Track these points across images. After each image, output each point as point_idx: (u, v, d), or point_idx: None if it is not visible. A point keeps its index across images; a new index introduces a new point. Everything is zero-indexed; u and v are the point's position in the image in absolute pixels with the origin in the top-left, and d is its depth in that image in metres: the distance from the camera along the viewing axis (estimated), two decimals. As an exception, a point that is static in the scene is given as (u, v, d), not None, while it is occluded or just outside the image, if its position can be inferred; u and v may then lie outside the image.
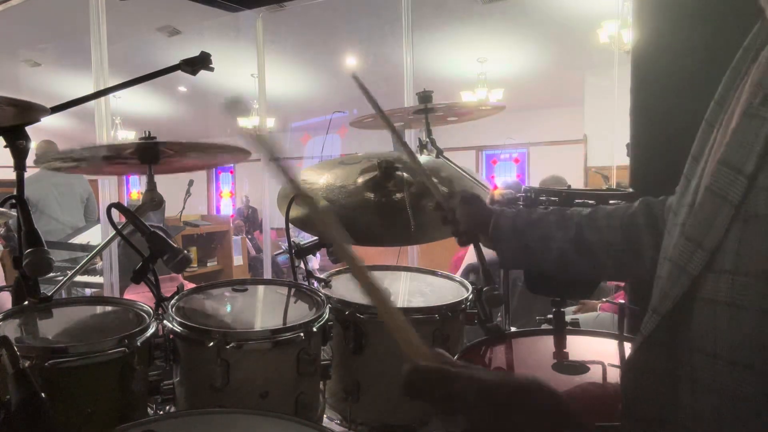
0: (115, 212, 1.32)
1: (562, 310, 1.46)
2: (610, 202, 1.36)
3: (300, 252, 1.51)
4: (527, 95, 8.34)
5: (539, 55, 7.70)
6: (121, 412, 1.08)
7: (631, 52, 1.80)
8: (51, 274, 1.90)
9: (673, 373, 0.69)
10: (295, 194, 1.13)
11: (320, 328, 1.22)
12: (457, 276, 1.65)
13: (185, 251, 1.31)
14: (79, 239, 4.25)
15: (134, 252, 1.32)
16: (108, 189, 3.34)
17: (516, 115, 8.57)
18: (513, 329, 1.54)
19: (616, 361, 1.27)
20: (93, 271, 3.86)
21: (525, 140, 9.47)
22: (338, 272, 1.65)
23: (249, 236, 8.84)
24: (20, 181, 1.22)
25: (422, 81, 2.59)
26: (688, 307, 0.67)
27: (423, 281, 1.67)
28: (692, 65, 1.56)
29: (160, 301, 1.28)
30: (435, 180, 1.74)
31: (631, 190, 1.65)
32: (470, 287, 1.49)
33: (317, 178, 1.74)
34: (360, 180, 1.70)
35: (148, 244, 1.29)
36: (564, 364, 1.25)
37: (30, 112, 1.08)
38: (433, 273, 1.70)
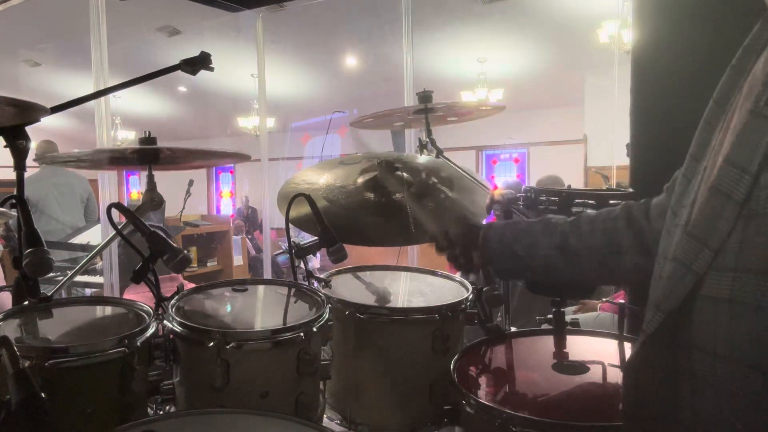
0: (115, 212, 1.32)
1: (562, 310, 1.46)
2: (610, 202, 1.36)
3: (300, 252, 1.51)
4: (527, 95, 8.33)
5: (539, 55, 7.69)
6: (121, 412, 1.08)
7: (631, 52, 1.80)
8: (51, 274, 1.89)
9: (673, 371, 0.69)
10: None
11: (320, 328, 1.22)
12: (457, 276, 1.64)
13: (185, 251, 1.31)
14: (79, 239, 4.25)
15: (135, 252, 1.32)
16: (108, 189, 3.34)
17: (516, 115, 8.56)
18: (513, 329, 1.54)
19: (616, 361, 1.27)
20: (93, 271, 3.85)
21: (525, 140, 9.46)
22: (338, 272, 1.65)
23: (249, 236, 8.83)
24: (20, 181, 1.22)
25: (422, 81, 2.59)
26: (688, 305, 0.67)
27: (423, 281, 1.67)
28: (692, 65, 1.56)
29: (160, 301, 1.28)
30: (435, 180, 1.74)
31: (631, 190, 1.65)
32: (470, 287, 1.49)
33: (317, 178, 1.74)
34: (360, 180, 1.70)
35: (148, 244, 1.29)
36: (564, 364, 1.25)
37: (30, 112, 1.08)
38: (433, 273, 1.70)
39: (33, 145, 1.31)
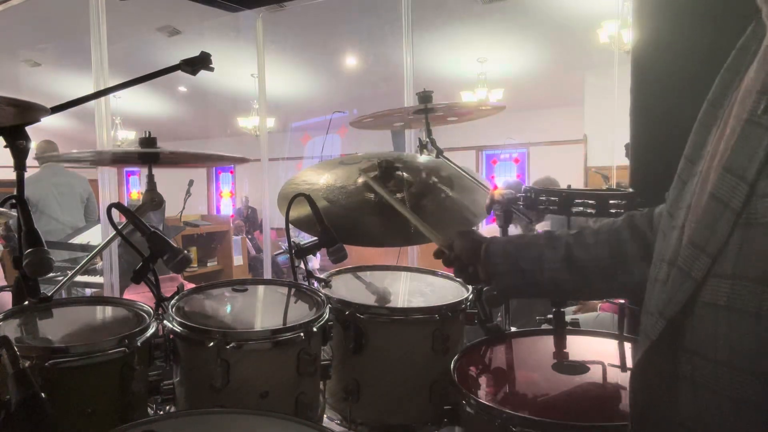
0: (115, 212, 1.32)
1: (562, 310, 1.46)
2: (610, 202, 1.36)
3: (300, 252, 1.51)
4: (527, 95, 8.33)
5: (539, 55, 7.69)
6: (121, 412, 1.08)
7: (631, 52, 1.80)
8: (51, 274, 1.89)
9: (675, 376, 0.69)
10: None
11: (320, 328, 1.22)
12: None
13: (185, 251, 1.31)
14: (79, 239, 4.25)
15: (135, 252, 1.32)
16: (108, 189, 3.33)
17: (516, 115, 8.56)
18: (513, 329, 1.54)
19: (616, 361, 1.27)
20: (93, 271, 3.85)
21: (525, 140, 9.46)
22: (338, 272, 1.65)
23: (249, 236, 8.83)
24: (20, 181, 1.21)
25: (422, 81, 2.59)
26: (689, 312, 0.67)
27: (423, 281, 1.67)
28: (692, 65, 1.56)
29: (160, 301, 1.28)
30: (435, 180, 1.74)
31: (631, 190, 1.64)
32: (470, 287, 1.49)
33: (317, 178, 1.74)
34: (360, 180, 1.70)
35: (148, 244, 1.29)
36: (564, 364, 1.25)
37: (30, 112, 1.08)
38: (433, 273, 1.70)
39: (33, 145, 1.31)
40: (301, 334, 1.16)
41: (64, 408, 1.01)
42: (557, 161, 8.73)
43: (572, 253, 1.06)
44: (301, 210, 1.56)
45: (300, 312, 1.29)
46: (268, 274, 4.45)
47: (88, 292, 4.00)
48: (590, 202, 1.38)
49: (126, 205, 1.37)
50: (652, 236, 0.99)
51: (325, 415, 1.38)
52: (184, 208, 6.26)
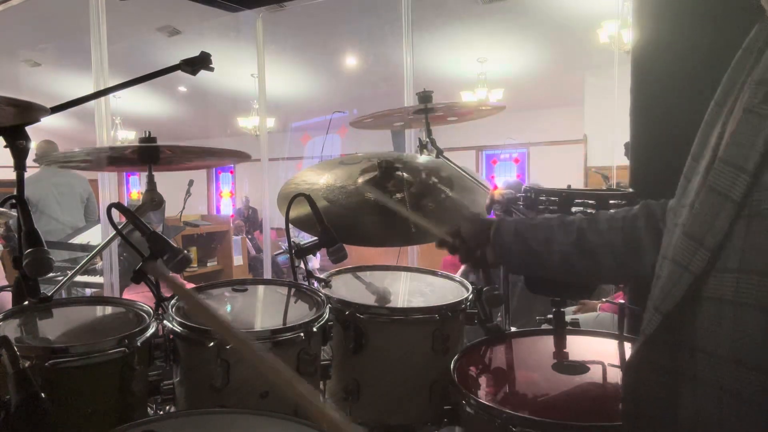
0: (115, 212, 1.32)
1: (562, 310, 1.46)
2: (611, 202, 1.36)
3: (300, 252, 1.51)
4: (527, 95, 8.33)
5: (539, 56, 7.69)
6: (121, 412, 1.08)
7: (631, 52, 1.80)
8: (51, 274, 1.89)
9: (674, 372, 0.69)
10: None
11: (320, 328, 1.22)
12: (457, 276, 1.65)
13: (185, 251, 1.31)
14: (79, 239, 4.25)
15: (136, 253, 1.32)
16: (108, 189, 3.34)
17: (516, 115, 8.56)
18: (513, 329, 1.54)
19: (616, 361, 1.27)
20: (93, 271, 3.85)
21: (525, 140, 9.46)
22: (338, 272, 1.65)
23: (249, 236, 8.83)
24: (20, 181, 1.21)
25: (422, 81, 2.59)
26: (691, 307, 0.67)
27: (423, 281, 1.67)
28: (692, 65, 1.56)
29: (160, 301, 1.28)
30: (435, 180, 1.74)
31: (631, 190, 1.65)
32: (470, 287, 1.49)
33: (317, 178, 1.74)
34: (360, 180, 1.70)
35: (148, 244, 1.29)
36: (564, 364, 1.25)
37: (30, 112, 1.08)
38: (433, 273, 1.70)
39: (33, 145, 1.31)
40: (301, 334, 1.16)
41: (64, 408, 1.01)
42: (557, 161, 8.74)
43: (585, 237, 1.06)
44: (301, 210, 1.56)
45: (300, 312, 1.29)
46: (268, 274, 4.45)
47: (88, 292, 4.00)
48: (590, 202, 1.38)
49: (126, 205, 1.37)
50: (663, 227, 0.99)
51: (325, 415, 1.37)
52: (184, 208, 6.26)
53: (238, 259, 6.98)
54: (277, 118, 9.54)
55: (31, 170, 4.35)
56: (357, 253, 2.01)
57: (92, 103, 2.97)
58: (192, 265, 6.07)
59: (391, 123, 2.49)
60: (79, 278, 3.61)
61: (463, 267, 3.10)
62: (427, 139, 2.04)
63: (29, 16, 6.15)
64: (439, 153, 2.00)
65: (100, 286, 3.72)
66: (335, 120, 6.04)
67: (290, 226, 1.51)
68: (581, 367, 1.22)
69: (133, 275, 1.29)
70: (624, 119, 1.80)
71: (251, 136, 9.32)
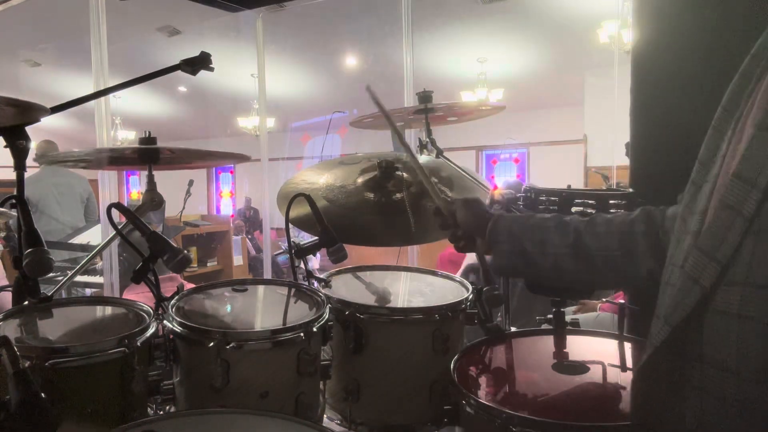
0: (115, 212, 1.32)
1: (562, 310, 1.46)
2: (610, 202, 1.36)
3: (300, 252, 1.51)
4: (527, 95, 8.33)
5: (539, 55, 7.70)
6: (121, 412, 1.08)
7: (631, 52, 1.80)
8: (51, 274, 1.90)
9: (680, 383, 0.69)
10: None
11: (320, 328, 1.22)
12: (457, 276, 1.65)
13: (185, 251, 1.31)
14: (79, 239, 4.25)
15: (136, 253, 1.32)
16: (108, 189, 3.33)
17: (516, 115, 8.56)
18: (513, 329, 1.54)
19: (616, 361, 1.27)
20: (93, 271, 3.85)
21: (525, 140, 9.47)
22: (338, 272, 1.65)
23: (249, 236, 8.83)
24: (20, 181, 1.21)
25: (422, 81, 2.59)
26: (698, 318, 0.67)
27: (423, 281, 1.67)
28: (692, 65, 1.56)
29: (160, 301, 1.28)
30: (435, 180, 1.74)
31: (631, 190, 1.65)
32: (470, 287, 1.49)
33: (317, 178, 1.74)
34: (360, 180, 1.70)
35: (148, 244, 1.29)
36: (564, 364, 1.25)
37: (30, 112, 1.08)
38: (433, 273, 1.70)
39: (33, 145, 1.31)
40: (301, 334, 1.16)
41: (64, 408, 1.01)
42: (557, 161, 8.75)
43: (581, 240, 1.05)
44: (301, 210, 1.56)
45: (300, 312, 1.29)
46: (268, 274, 4.45)
47: (88, 292, 4.00)
48: (590, 202, 1.38)
49: (126, 205, 1.37)
50: (664, 235, 0.98)
51: (325, 415, 1.38)
52: (184, 208, 6.26)
53: (238, 259, 6.98)
54: (277, 118, 9.54)
55: (31, 170, 4.35)
56: (357, 253, 2.01)
57: (92, 103, 2.97)
58: (192, 265, 6.07)
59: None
60: (79, 278, 3.61)
61: (463, 267, 3.10)
62: (427, 139, 2.04)
63: (29, 16, 6.15)
64: (439, 153, 2.00)
65: (100, 286, 3.72)
66: (335, 120, 6.04)
67: (290, 226, 1.51)
68: (581, 367, 1.22)
69: (133, 275, 1.29)
70: (624, 119, 1.80)
71: (251, 136, 9.32)
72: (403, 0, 3.65)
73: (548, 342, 1.40)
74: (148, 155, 1.43)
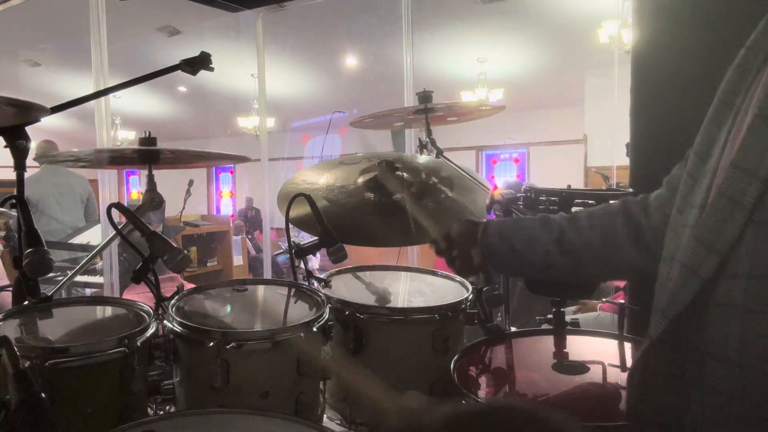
0: (115, 212, 1.32)
1: (562, 310, 1.46)
2: (610, 202, 1.36)
3: (300, 252, 1.51)
4: (527, 95, 8.34)
5: (539, 55, 7.70)
6: (121, 412, 1.08)
7: (631, 52, 1.80)
8: (51, 274, 1.90)
9: (680, 376, 0.68)
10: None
11: (320, 328, 1.22)
12: (457, 276, 1.64)
13: (185, 251, 1.31)
14: (79, 239, 4.25)
15: (136, 253, 1.32)
16: (108, 189, 3.34)
17: (516, 115, 8.56)
18: (513, 329, 1.54)
19: (616, 361, 1.27)
20: (93, 271, 3.86)
21: (525, 140, 9.47)
22: (338, 272, 1.65)
23: (249, 236, 8.83)
24: (20, 181, 1.21)
25: (422, 81, 2.59)
26: (699, 311, 0.66)
27: (423, 281, 1.67)
28: (692, 65, 1.56)
29: (160, 301, 1.28)
30: (435, 180, 1.74)
31: (631, 190, 1.65)
32: (470, 287, 1.49)
33: (317, 178, 1.74)
34: (360, 180, 1.70)
35: (148, 244, 1.29)
36: (564, 364, 1.25)
37: (30, 112, 1.08)
38: (433, 273, 1.70)
39: (33, 145, 1.31)
40: (301, 334, 1.16)
41: (64, 408, 1.01)
42: (557, 161, 8.75)
43: (564, 236, 1.07)
44: (301, 210, 1.56)
45: (300, 312, 1.29)
46: (268, 274, 4.45)
47: (88, 292, 4.01)
48: (590, 202, 1.38)
49: (126, 205, 1.37)
50: (646, 222, 1.00)
51: (325, 415, 1.37)
52: (184, 208, 6.26)
53: (238, 259, 6.98)
54: (277, 118, 9.55)
55: (31, 170, 4.36)
56: (357, 253, 2.01)
57: (92, 103, 2.97)
58: (192, 265, 6.07)
59: (391, 123, 2.49)
60: (79, 278, 3.61)
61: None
62: (427, 139, 2.04)
63: (29, 16, 6.15)
64: (439, 153, 2.00)
65: (100, 286, 3.72)
66: (335, 120, 6.04)
67: (290, 226, 1.51)
68: (581, 367, 1.22)
69: (133, 275, 1.29)
70: (624, 119, 1.80)
71: (251, 136, 9.32)
72: (403, 0, 3.65)
73: (548, 342, 1.40)
74: (148, 155, 1.43)
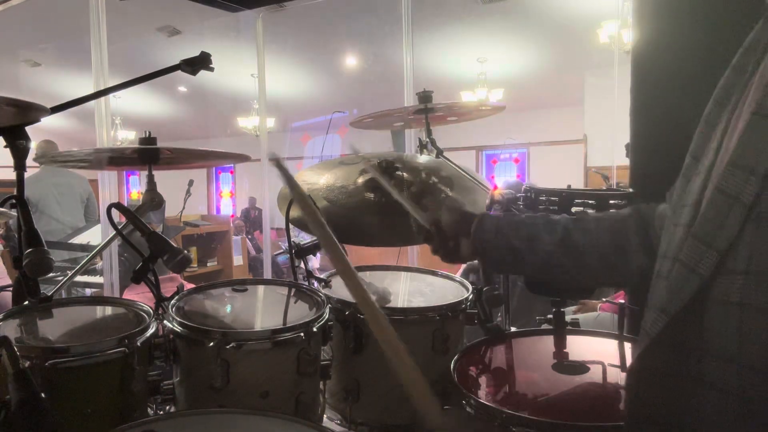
0: (115, 212, 1.32)
1: (562, 310, 1.46)
2: (611, 202, 1.36)
3: (300, 252, 1.51)
4: (527, 95, 8.34)
5: (539, 55, 7.70)
6: (121, 412, 1.08)
7: (631, 52, 1.80)
8: (51, 274, 1.90)
9: (679, 374, 0.68)
10: (294, 195, 1.12)
11: (320, 328, 1.22)
12: (457, 276, 1.65)
13: (185, 251, 1.31)
14: (79, 239, 4.25)
15: (136, 253, 1.32)
16: (108, 189, 3.34)
17: (516, 115, 8.57)
18: (513, 329, 1.54)
19: (616, 361, 1.27)
20: (93, 271, 3.85)
21: (525, 140, 9.47)
22: (338, 272, 1.65)
23: (249, 236, 8.84)
24: (20, 181, 1.22)
25: (422, 81, 2.59)
26: (698, 309, 0.66)
27: (423, 281, 1.67)
28: (692, 65, 1.56)
29: (160, 301, 1.28)
30: (435, 180, 1.74)
31: (631, 190, 1.65)
32: (470, 287, 1.49)
33: (317, 179, 1.74)
34: (360, 180, 1.70)
35: (148, 244, 1.29)
36: (564, 364, 1.25)
37: (30, 112, 1.08)
38: (433, 273, 1.70)
39: (33, 145, 1.31)
40: (301, 334, 1.16)
41: (64, 408, 1.01)
42: (557, 161, 8.75)
43: (570, 236, 1.05)
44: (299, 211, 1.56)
45: (300, 312, 1.29)
46: (268, 274, 4.45)
47: (88, 292, 4.01)
48: (590, 202, 1.38)
49: (126, 205, 1.37)
50: (654, 232, 0.99)
51: (325, 415, 1.37)
52: (184, 208, 6.27)
53: (238, 259, 6.98)
54: (277, 118, 9.55)
55: (31, 170, 4.35)
56: (357, 253, 2.01)
57: (92, 103, 2.97)
58: (192, 265, 6.07)
59: (391, 123, 2.49)
60: (79, 278, 3.61)
61: (463, 267, 3.10)
62: (427, 139, 2.04)
63: (29, 16, 6.15)
64: (439, 153, 2.00)
65: (100, 286, 3.72)
66: (335, 120, 6.04)
67: (290, 226, 1.51)
68: (581, 367, 1.22)
69: (133, 275, 1.29)
70: (624, 119, 1.80)
71: (251, 136, 9.32)
72: (403, 0, 3.65)
73: (548, 342, 1.40)
74: (148, 155, 1.43)
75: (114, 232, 1.41)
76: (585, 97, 8.14)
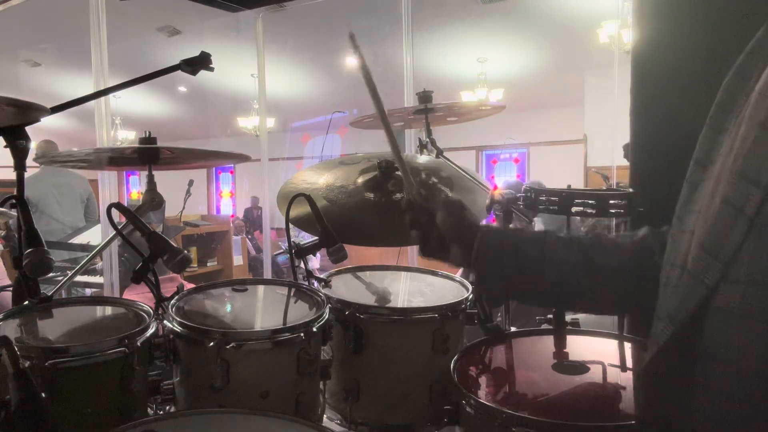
0: (115, 212, 1.32)
1: (562, 310, 1.45)
2: (610, 202, 1.36)
3: (300, 252, 1.51)
4: (527, 95, 8.34)
5: (539, 55, 7.70)
6: (121, 412, 1.08)
7: (631, 52, 1.80)
8: (51, 274, 1.90)
9: (687, 381, 0.69)
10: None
11: (320, 328, 1.22)
12: (457, 276, 1.65)
13: (185, 251, 1.31)
14: (79, 239, 4.25)
15: (136, 253, 1.32)
16: (108, 189, 3.33)
17: (516, 115, 8.57)
18: (513, 329, 1.54)
19: (616, 361, 1.27)
20: (93, 271, 3.85)
21: (525, 140, 9.47)
22: (338, 272, 1.65)
23: (249, 236, 8.84)
24: (20, 181, 1.22)
25: (422, 81, 2.59)
26: (702, 317, 0.67)
27: (423, 281, 1.67)
28: (692, 65, 1.56)
29: (160, 301, 1.28)
30: (435, 180, 1.74)
31: (631, 190, 1.65)
32: (470, 287, 1.49)
33: (317, 178, 1.74)
34: (360, 180, 1.70)
35: (148, 244, 1.29)
36: (564, 364, 1.25)
37: (30, 112, 1.08)
38: (433, 273, 1.70)
39: (33, 145, 1.31)
40: (301, 334, 1.16)
41: (64, 408, 1.01)
42: (557, 161, 8.75)
43: (589, 257, 0.99)
44: (301, 210, 1.56)
45: (300, 312, 1.29)
46: (268, 274, 4.45)
47: (88, 292, 4.01)
48: (590, 202, 1.38)
49: (126, 205, 1.37)
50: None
51: (325, 415, 1.38)
52: (184, 208, 6.27)
53: (238, 259, 6.98)
54: (277, 118, 9.56)
55: (31, 170, 4.35)
56: (357, 253, 2.01)
57: (92, 103, 2.97)
58: (192, 265, 6.08)
59: (391, 123, 2.49)
60: (79, 278, 3.61)
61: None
62: (427, 139, 2.04)
63: (29, 16, 6.15)
64: (439, 153, 2.00)
65: (100, 286, 3.72)
66: (335, 120, 6.05)
67: (290, 226, 1.51)
68: (581, 367, 1.22)
69: (133, 275, 1.29)
70: (624, 119, 1.80)
71: (251, 136, 9.32)
72: (403, 0, 3.65)
73: (548, 342, 1.40)
74: (148, 155, 1.43)
75: (114, 232, 1.41)
76: (585, 97, 8.14)
